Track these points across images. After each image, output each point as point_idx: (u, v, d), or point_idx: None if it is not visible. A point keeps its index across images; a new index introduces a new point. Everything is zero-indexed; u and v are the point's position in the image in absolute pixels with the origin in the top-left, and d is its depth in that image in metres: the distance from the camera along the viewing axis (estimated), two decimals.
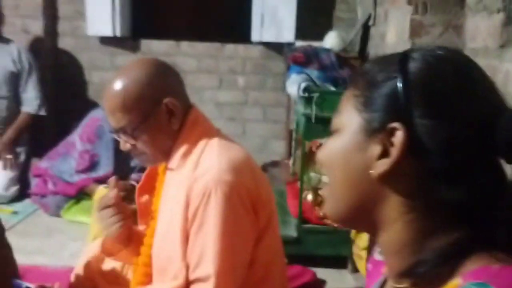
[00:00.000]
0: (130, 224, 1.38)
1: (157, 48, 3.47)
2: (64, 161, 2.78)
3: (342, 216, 0.64)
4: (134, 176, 2.72)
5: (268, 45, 3.39)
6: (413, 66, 0.58)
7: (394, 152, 0.56)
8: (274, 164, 3.35)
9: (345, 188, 0.62)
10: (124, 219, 1.33)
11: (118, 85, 1.22)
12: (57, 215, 2.60)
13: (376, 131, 0.58)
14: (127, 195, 2.57)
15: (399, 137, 0.56)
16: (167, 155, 1.28)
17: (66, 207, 2.58)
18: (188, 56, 3.46)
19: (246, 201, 1.20)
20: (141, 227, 1.47)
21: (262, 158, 3.20)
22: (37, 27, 3.35)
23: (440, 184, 0.56)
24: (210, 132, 1.31)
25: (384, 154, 0.58)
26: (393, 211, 0.59)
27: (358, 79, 0.64)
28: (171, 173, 1.27)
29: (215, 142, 1.27)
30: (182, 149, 1.25)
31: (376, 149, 0.58)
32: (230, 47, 3.46)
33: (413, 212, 0.58)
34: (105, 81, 3.48)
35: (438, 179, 0.56)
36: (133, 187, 2.61)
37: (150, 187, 1.45)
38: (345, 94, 0.65)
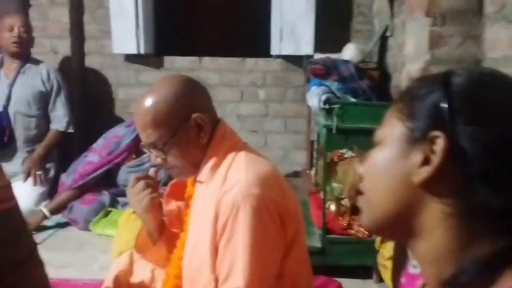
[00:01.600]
0: (160, 208, 1.43)
1: (180, 64, 3.56)
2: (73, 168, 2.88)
3: (381, 225, 0.65)
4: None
5: (287, 58, 3.44)
6: (456, 78, 0.61)
7: (436, 159, 0.58)
8: (296, 174, 3.39)
9: (385, 196, 0.63)
10: (155, 192, 1.37)
11: (148, 102, 1.28)
12: (86, 228, 2.67)
13: (418, 139, 0.60)
14: None
15: (440, 144, 0.58)
16: (197, 168, 1.32)
17: (94, 221, 2.65)
18: (210, 71, 3.53)
19: (274, 214, 1.23)
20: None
21: (284, 168, 3.24)
22: (65, 47, 3.47)
23: (482, 190, 0.56)
24: (238, 145, 1.35)
25: (426, 161, 0.59)
26: (433, 218, 0.59)
27: (401, 95, 0.67)
28: (200, 186, 1.32)
29: (242, 155, 1.31)
30: (211, 163, 1.29)
31: (418, 156, 0.60)
32: (250, 61, 3.53)
33: (454, 218, 0.58)
34: (130, 97, 3.60)
35: (480, 185, 0.56)
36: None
37: (177, 196, 1.50)
38: (389, 109, 0.68)
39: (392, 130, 0.64)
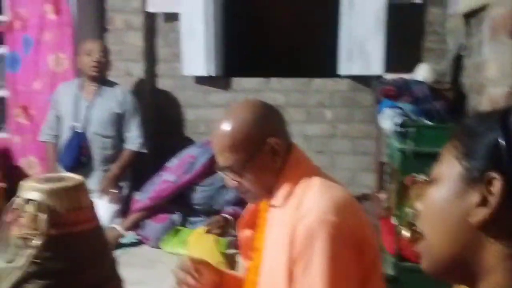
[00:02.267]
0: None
1: (247, 85, 3.61)
2: (147, 188, 2.96)
3: (440, 269, 0.65)
4: (227, 209, 2.81)
5: (356, 78, 3.40)
6: None
7: (493, 200, 0.58)
8: (365, 197, 3.31)
9: (443, 238, 0.63)
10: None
11: (226, 125, 1.31)
12: (157, 246, 2.74)
13: (475, 179, 0.60)
14: (221, 227, 2.68)
15: (497, 186, 0.57)
16: (270, 192, 1.33)
17: (165, 239, 2.71)
18: (277, 92, 3.56)
19: (351, 241, 1.21)
20: (244, 262, 1.52)
21: (351, 191, 3.16)
22: (138, 70, 3.62)
23: None
24: (312, 170, 1.35)
25: (483, 202, 0.59)
26: (493, 259, 0.59)
27: (459, 132, 0.66)
28: (274, 211, 1.32)
29: (317, 181, 1.30)
30: (285, 188, 1.30)
31: (474, 197, 0.60)
32: (318, 82, 3.52)
33: None
34: (199, 118, 3.69)
35: None
36: (226, 219, 2.71)
37: (251, 223, 1.51)
38: (446, 146, 0.67)
39: (448, 169, 0.64)
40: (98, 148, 3.10)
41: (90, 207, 1.48)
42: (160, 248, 2.71)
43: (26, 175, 3.51)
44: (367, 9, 3.19)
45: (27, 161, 3.51)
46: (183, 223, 2.83)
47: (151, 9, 3.55)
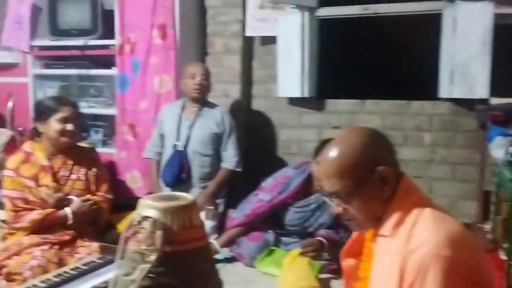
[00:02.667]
0: None
1: (342, 106, 3.59)
2: (243, 206, 3.01)
3: None
4: (321, 232, 2.80)
5: (458, 101, 3.26)
6: None
7: None
8: (466, 227, 3.13)
9: None
10: None
11: (334, 151, 1.31)
12: (251, 264, 2.78)
13: None
14: (316, 250, 2.66)
15: None
16: (377, 221, 1.32)
17: (259, 258, 2.75)
18: (372, 114, 3.50)
19: (465, 278, 1.16)
20: None
21: None
22: (235, 91, 3.75)
23: None
24: (423, 201, 1.31)
25: None
26: None
27: None
28: (382, 241, 1.30)
29: (428, 212, 1.27)
30: (394, 218, 1.27)
31: None
32: (416, 104, 3.42)
33: None
34: (292, 139, 3.73)
35: None
36: (321, 243, 2.69)
37: (355, 251, 1.50)
38: None
39: None
40: (197, 166, 3.24)
41: (201, 226, 1.55)
42: (253, 267, 2.75)
43: (129, 189, 3.75)
44: (471, 30, 3.06)
45: (131, 176, 3.75)
46: (276, 243, 2.86)
47: (249, 33, 3.67)
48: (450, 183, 3.35)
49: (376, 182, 1.29)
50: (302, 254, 2.61)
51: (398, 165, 1.36)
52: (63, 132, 2.65)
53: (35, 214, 2.58)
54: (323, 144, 2.72)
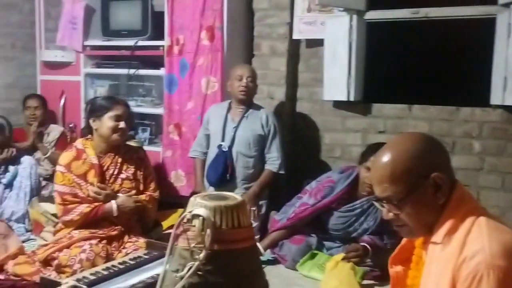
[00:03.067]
0: None
1: (388, 111, 3.54)
2: (286, 209, 3.01)
3: None
4: (365, 238, 2.77)
5: (510, 109, 3.15)
6: None
7: None
8: None
9: None
10: None
11: (388, 156, 1.30)
12: (293, 267, 2.78)
13: None
14: (359, 256, 2.64)
15: None
16: (428, 228, 1.30)
17: (301, 261, 2.75)
18: (419, 120, 3.44)
19: None
20: None
21: None
22: (280, 93, 3.76)
23: None
24: (477, 210, 1.29)
25: None
26: None
27: None
28: (434, 248, 1.28)
29: (483, 221, 1.24)
30: (447, 225, 1.25)
31: None
32: (465, 111, 3.33)
33: None
34: (335, 142, 3.70)
35: None
36: (365, 249, 2.66)
37: (404, 258, 1.48)
38: None
39: None
40: (241, 167, 3.27)
41: (249, 226, 1.57)
42: (295, 270, 2.75)
43: (174, 187, 3.83)
44: None
45: (175, 174, 3.82)
46: (319, 247, 2.85)
47: (296, 36, 3.67)
48: (499, 193, 3.24)
49: (430, 188, 1.27)
50: (346, 259, 2.59)
51: (452, 172, 1.34)
52: (115, 130, 2.74)
53: (84, 207, 2.67)
54: (369, 149, 2.70)
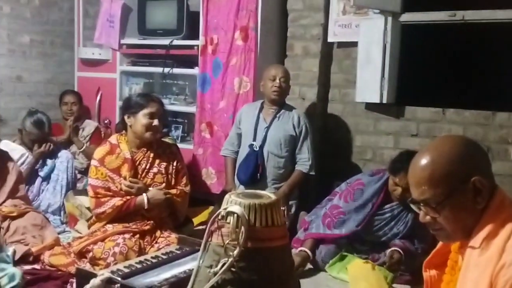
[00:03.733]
0: None
1: (421, 114, 3.50)
2: (316, 211, 3.00)
3: None
4: (396, 242, 2.75)
5: None
6: None
7: None
8: None
9: None
10: None
11: (427, 158, 1.29)
12: (322, 268, 2.78)
13: None
14: (391, 258, 2.61)
15: None
16: (466, 233, 1.28)
17: (330, 263, 2.74)
18: (454, 124, 3.39)
19: None
20: None
21: None
22: (311, 94, 3.75)
23: None
24: None
25: None
26: None
27: None
28: (471, 253, 1.27)
29: None
30: (487, 230, 1.24)
31: None
32: (502, 116, 3.26)
33: None
34: (367, 144, 3.68)
35: None
36: (398, 253, 2.63)
37: (439, 263, 1.47)
38: None
39: None
40: (271, 167, 3.28)
41: (283, 225, 1.59)
42: (325, 271, 2.75)
43: (204, 184, 3.87)
44: None
45: (206, 172, 3.87)
46: (349, 249, 2.84)
47: (331, 39, 3.66)
48: None
49: (470, 192, 1.26)
50: (388, 268, 2.58)
51: (492, 177, 1.32)
52: (148, 127, 2.79)
53: (117, 200, 2.73)
54: (399, 162, 2.66)
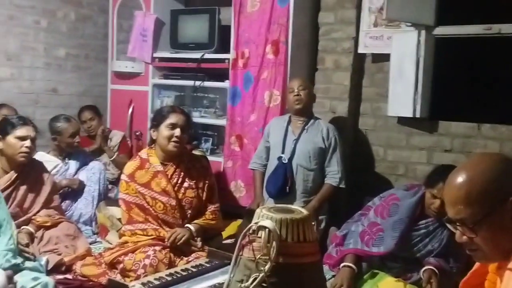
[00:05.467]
0: None
1: (455, 129, 3.43)
2: (353, 225, 2.93)
3: None
4: (431, 260, 2.67)
5: None
6: None
7: None
8: None
9: None
10: None
11: (463, 176, 1.25)
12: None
13: None
14: (429, 277, 2.52)
15: None
16: (504, 254, 1.24)
17: (361, 280, 2.68)
18: (489, 139, 3.30)
19: None
20: None
21: None
22: (342, 108, 3.73)
23: None
24: None
25: None
26: None
27: None
28: (510, 275, 1.22)
29: None
30: None
31: None
32: None
33: None
34: (399, 159, 3.62)
35: None
36: (434, 272, 2.55)
37: (476, 284, 1.42)
38: None
39: None
40: (300, 180, 3.25)
41: (314, 241, 1.57)
42: None
43: (234, 197, 3.87)
44: None
45: (235, 184, 3.87)
46: (380, 267, 2.77)
47: (362, 50, 3.64)
48: None
49: (508, 212, 1.22)
50: (405, 280, 2.52)
51: None
52: (171, 138, 2.77)
53: (150, 229, 2.75)
54: (436, 174, 2.60)
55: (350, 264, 2.64)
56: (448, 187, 1.30)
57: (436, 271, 2.54)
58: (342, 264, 2.69)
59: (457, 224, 1.28)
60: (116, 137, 4.27)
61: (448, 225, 1.35)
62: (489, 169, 1.25)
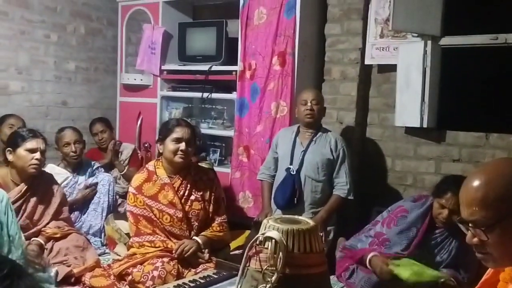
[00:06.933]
0: None
1: (463, 139, 3.41)
2: (362, 237, 2.93)
3: None
4: (444, 271, 2.65)
5: None
6: None
7: None
8: None
9: None
10: None
11: (481, 178, 1.24)
12: None
13: None
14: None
15: None
16: None
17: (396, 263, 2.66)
18: (498, 149, 3.28)
19: None
20: None
21: None
22: (349, 118, 3.73)
23: None
24: None
25: None
26: None
27: None
28: None
29: None
30: None
31: None
32: None
33: None
34: (407, 169, 3.61)
35: None
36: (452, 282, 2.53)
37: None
38: None
39: None
40: (309, 191, 3.25)
41: (321, 252, 1.57)
42: None
43: (241, 208, 3.88)
44: None
45: (243, 195, 3.88)
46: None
47: (368, 61, 3.65)
48: None
49: None
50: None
51: None
52: (176, 152, 2.79)
53: (158, 241, 2.77)
54: (445, 184, 2.60)
55: (376, 253, 2.68)
56: (465, 188, 1.28)
57: (453, 280, 2.52)
58: (371, 254, 2.69)
59: (470, 225, 1.27)
60: (126, 150, 4.29)
61: (460, 226, 1.33)
62: (508, 174, 1.23)
